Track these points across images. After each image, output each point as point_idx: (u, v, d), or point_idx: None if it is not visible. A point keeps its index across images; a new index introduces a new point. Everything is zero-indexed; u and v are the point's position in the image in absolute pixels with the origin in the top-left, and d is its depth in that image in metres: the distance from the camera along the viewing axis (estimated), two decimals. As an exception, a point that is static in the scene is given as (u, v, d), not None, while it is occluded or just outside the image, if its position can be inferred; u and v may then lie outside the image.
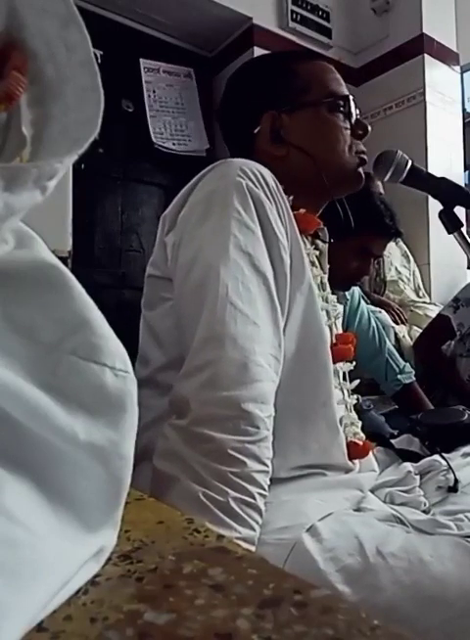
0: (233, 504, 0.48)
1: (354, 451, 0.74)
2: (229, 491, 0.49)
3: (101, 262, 2.62)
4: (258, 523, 0.50)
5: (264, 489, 0.52)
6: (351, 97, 0.78)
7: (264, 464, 0.53)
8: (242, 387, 0.53)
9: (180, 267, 0.64)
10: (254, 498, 0.50)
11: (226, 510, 0.48)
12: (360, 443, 0.75)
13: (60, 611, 0.24)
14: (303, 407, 0.66)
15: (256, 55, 2.64)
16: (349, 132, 0.78)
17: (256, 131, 0.78)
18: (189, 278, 0.62)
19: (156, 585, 0.27)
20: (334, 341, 0.75)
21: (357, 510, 0.68)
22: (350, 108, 0.78)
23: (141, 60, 2.63)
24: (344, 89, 0.80)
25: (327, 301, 0.77)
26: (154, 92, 2.70)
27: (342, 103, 0.78)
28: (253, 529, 0.49)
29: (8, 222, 0.23)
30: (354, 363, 0.79)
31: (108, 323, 0.28)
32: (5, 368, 0.23)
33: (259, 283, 0.60)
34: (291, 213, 0.68)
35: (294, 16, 2.78)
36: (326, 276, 0.79)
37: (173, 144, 2.71)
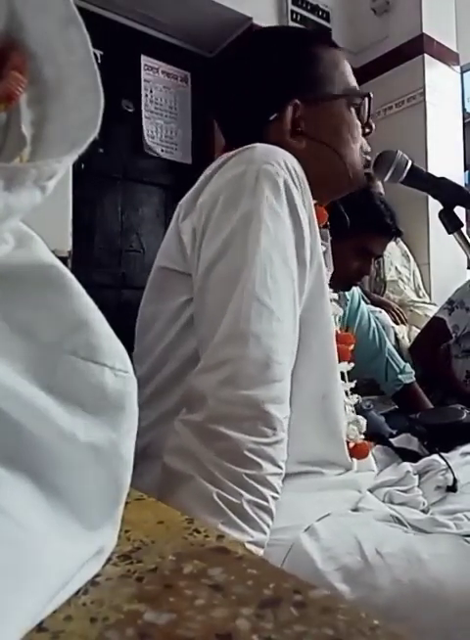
0: (247, 507, 0.47)
1: (353, 451, 0.73)
2: (243, 494, 0.48)
3: (101, 262, 2.62)
4: (269, 526, 0.49)
5: (277, 492, 0.51)
6: (371, 95, 0.76)
7: (279, 466, 0.52)
8: (262, 386, 0.52)
9: (205, 258, 0.61)
10: (267, 501, 0.49)
11: (240, 512, 0.47)
12: (360, 443, 0.75)
13: (60, 611, 0.24)
14: (302, 398, 0.63)
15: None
16: (360, 131, 0.77)
17: (272, 118, 0.72)
18: (216, 269, 0.59)
19: (156, 585, 0.27)
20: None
21: (355, 510, 0.68)
22: (369, 107, 0.77)
23: (142, 56, 2.63)
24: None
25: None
26: (151, 92, 2.71)
27: (360, 100, 0.76)
28: (264, 533, 0.48)
29: (8, 222, 0.23)
30: (353, 364, 0.79)
31: (108, 323, 0.28)
32: (5, 368, 0.23)
33: (286, 275, 0.58)
34: (312, 202, 0.65)
35: (294, 16, 2.78)
36: (330, 273, 0.78)
37: (162, 150, 2.73)
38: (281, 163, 0.61)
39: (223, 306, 0.56)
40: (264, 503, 0.49)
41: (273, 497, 0.50)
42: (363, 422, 0.77)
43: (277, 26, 0.82)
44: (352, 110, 0.76)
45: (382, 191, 1.97)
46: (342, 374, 0.76)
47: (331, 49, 0.76)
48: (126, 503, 0.30)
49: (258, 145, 0.63)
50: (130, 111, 2.66)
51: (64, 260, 1.06)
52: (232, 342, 0.54)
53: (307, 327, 0.63)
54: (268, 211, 0.58)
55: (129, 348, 0.29)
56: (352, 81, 0.76)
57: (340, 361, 0.73)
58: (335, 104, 0.74)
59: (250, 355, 0.52)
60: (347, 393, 0.77)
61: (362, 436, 0.76)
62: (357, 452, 0.74)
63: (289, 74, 0.73)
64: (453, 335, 1.88)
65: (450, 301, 1.91)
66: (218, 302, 0.57)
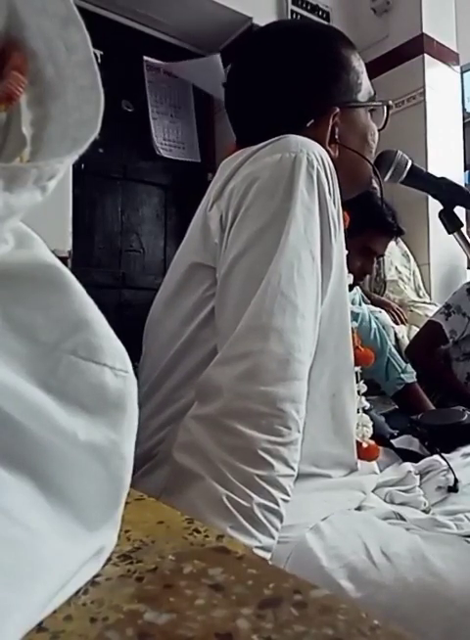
0: (257, 510, 0.46)
1: (364, 452, 0.72)
2: (254, 496, 0.46)
3: (101, 262, 2.63)
4: (277, 529, 0.48)
5: (288, 495, 0.50)
6: (391, 103, 0.79)
7: (292, 468, 0.51)
8: (281, 383, 0.51)
9: (232, 248, 0.59)
10: (277, 504, 0.48)
11: (249, 516, 0.46)
12: (372, 445, 0.74)
13: (60, 611, 0.24)
14: (312, 397, 0.60)
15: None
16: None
17: (309, 124, 0.70)
18: (243, 260, 0.57)
19: (156, 585, 0.27)
20: None
21: (358, 508, 0.68)
22: (387, 116, 0.79)
23: (144, 57, 2.63)
24: None
25: None
26: (156, 94, 2.71)
27: (382, 109, 0.79)
28: (272, 537, 0.47)
29: (8, 222, 0.23)
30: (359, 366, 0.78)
31: (108, 323, 0.28)
32: (5, 368, 0.23)
33: (313, 273, 0.57)
34: (340, 200, 0.64)
35: (294, 16, 2.79)
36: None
37: (170, 150, 2.73)
38: (316, 155, 0.60)
39: (247, 299, 0.54)
40: (274, 506, 0.48)
41: (283, 500, 0.49)
42: (371, 424, 0.77)
43: (303, 23, 0.82)
44: (369, 113, 0.77)
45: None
46: (356, 374, 0.75)
47: (355, 52, 0.75)
48: (126, 503, 0.29)
49: (292, 135, 0.62)
50: (130, 111, 2.67)
51: (64, 260, 1.06)
52: (253, 335, 0.52)
53: (326, 326, 0.61)
54: (301, 207, 0.57)
55: (129, 348, 0.29)
56: (370, 85, 0.77)
57: (356, 364, 0.71)
58: (362, 111, 0.75)
59: (271, 350, 0.51)
60: (358, 394, 0.76)
61: (369, 440, 0.76)
62: (368, 454, 0.73)
63: (328, 81, 0.72)
64: (451, 339, 1.88)
65: (447, 306, 1.91)
66: (242, 294, 0.55)
